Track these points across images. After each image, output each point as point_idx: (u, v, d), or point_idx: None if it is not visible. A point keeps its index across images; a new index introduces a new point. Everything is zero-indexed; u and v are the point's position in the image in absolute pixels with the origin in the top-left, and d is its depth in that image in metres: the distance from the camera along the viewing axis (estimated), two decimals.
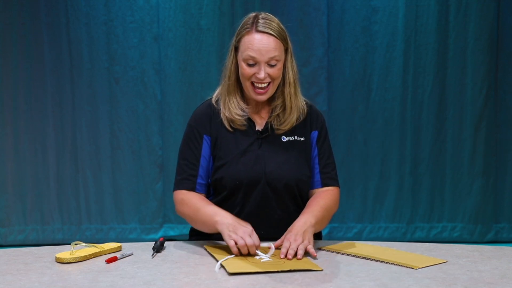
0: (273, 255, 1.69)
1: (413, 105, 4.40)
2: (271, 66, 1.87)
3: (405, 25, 4.35)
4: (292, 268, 1.57)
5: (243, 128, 1.94)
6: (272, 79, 1.89)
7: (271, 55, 1.86)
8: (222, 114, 1.94)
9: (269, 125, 1.95)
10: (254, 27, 1.88)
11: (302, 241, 1.71)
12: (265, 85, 1.88)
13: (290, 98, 1.94)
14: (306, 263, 1.63)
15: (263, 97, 1.91)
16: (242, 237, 1.69)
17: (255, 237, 1.71)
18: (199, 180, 1.94)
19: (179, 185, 1.95)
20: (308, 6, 4.35)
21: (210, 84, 4.42)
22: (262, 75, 1.86)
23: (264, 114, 1.98)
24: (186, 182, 1.94)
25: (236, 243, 1.69)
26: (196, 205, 1.88)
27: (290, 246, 1.70)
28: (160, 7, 4.36)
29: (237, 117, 1.92)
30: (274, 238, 1.87)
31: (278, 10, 4.25)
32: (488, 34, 4.34)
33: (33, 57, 4.37)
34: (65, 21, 4.36)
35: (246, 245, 1.68)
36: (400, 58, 4.37)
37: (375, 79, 4.39)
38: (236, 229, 1.72)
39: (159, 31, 4.37)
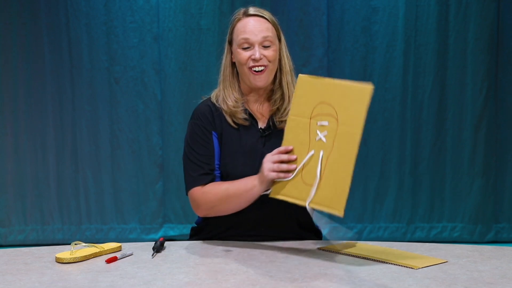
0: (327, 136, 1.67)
1: (413, 105, 4.40)
2: (266, 48, 1.88)
3: (405, 25, 4.35)
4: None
5: (246, 123, 1.92)
6: (268, 61, 1.88)
7: (264, 34, 1.88)
8: (223, 111, 1.94)
9: (271, 122, 1.94)
10: (244, 14, 1.92)
11: None
12: (261, 68, 1.88)
13: (288, 86, 1.94)
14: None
15: (262, 81, 1.90)
16: (271, 162, 1.71)
17: (273, 152, 1.72)
18: (217, 174, 1.91)
19: (197, 182, 1.89)
20: (308, 6, 4.35)
21: (210, 84, 4.37)
22: (257, 54, 1.86)
23: (266, 111, 1.97)
24: (205, 177, 1.89)
25: (273, 170, 1.71)
26: (221, 187, 1.85)
27: None
28: (160, 7, 4.36)
29: (234, 108, 1.91)
30: (276, 238, 1.87)
31: (278, 10, 4.25)
32: (488, 34, 4.34)
33: (33, 57, 4.37)
34: (65, 21, 4.36)
35: (277, 161, 1.70)
36: (400, 58, 4.37)
37: (375, 79, 4.38)
38: (262, 169, 1.73)
39: (159, 31, 4.38)
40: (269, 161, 1.73)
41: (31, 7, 4.34)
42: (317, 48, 4.37)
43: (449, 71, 4.39)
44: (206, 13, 4.37)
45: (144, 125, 4.43)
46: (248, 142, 1.92)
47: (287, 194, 1.71)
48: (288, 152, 1.71)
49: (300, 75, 1.75)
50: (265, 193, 1.76)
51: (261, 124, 1.95)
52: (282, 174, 1.70)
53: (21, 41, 4.36)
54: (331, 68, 4.38)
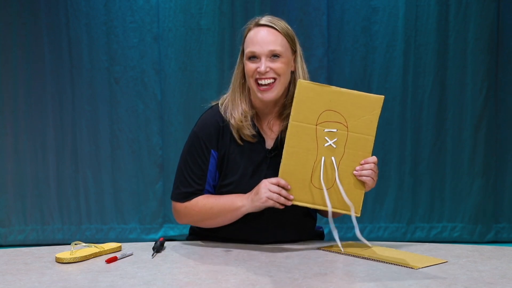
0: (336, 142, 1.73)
1: (413, 105, 4.40)
2: (274, 60, 1.80)
3: (405, 25, 4.35)
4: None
5: (253, 140, 1.85)
6: (277, 74, 1.80)
7: (271, 47, 1.79)
8: (231, 126, 1.85)
9: (279, 140, 1.86)
10: (256, 24, 1.85)
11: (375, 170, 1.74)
12: (269, 81, 1.79)
13: None
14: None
15: (269, 95, 1.81)
16: (269, 190, 1.72)
17: (274, 181, 1.73)
18: (206, 194, 1.88)
19: (181, 198, 1.87)
20: (308, 6, 4.35)
21: (210, 84, 4.43)
22: (262, 67, 1.78)
23: (277, 127, 1.89)
24: (191, 196, 1.86)
25: (272, 198, 1.72)
26: (206, 204, 1.83)
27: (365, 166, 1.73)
28: (160, 7, 4.36)
29: (241, 123, 1.83)
30: (280, 241, 1.86)
31: (278, 10, 4.25)
32: (488, 34, 4.34)
33: (33, 57, 4.37)
34: (65, 21, 4.36)
35: (276, 192, 1.72)
36: (400, 58, 4.37)
37: (375, 79, 4.39)
38: (258, 192, 1.74)
39: (159, 31, 4.37)
40: (268, 188, 1.72)
41: (31, 7, 4.34)
42: (317, 48, 4.36)
43: (449, 71, 4.39)
44: (206, 13, 4.36)
45: (144, 125, 4.43)
46: (253, 163, 1.85)
47: (304, 200, 1.74)
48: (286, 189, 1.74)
49: (300, 80, 1.75)
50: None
51: (269, 143, 1.87)
52: (278, 204, 1.73)
53: (21, 41, 4.36)
54: (331, 68, 4.38)
